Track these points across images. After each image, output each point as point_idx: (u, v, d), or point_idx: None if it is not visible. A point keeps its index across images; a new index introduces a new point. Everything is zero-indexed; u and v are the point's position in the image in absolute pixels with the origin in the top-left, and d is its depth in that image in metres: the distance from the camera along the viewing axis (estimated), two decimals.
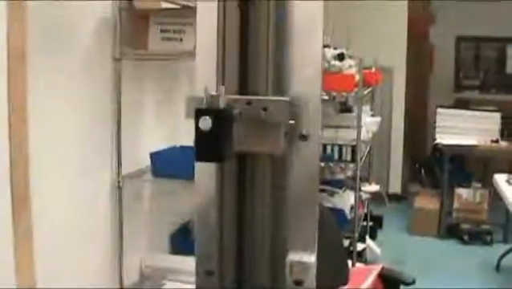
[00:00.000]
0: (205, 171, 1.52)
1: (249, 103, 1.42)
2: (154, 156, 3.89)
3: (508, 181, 5.83)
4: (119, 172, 3.75)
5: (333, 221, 3.17)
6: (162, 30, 3.70)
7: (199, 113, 1.33)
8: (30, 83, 2.89)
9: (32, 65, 2.89)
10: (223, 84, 1.41)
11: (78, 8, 3.33)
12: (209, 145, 1.34)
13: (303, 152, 1.44)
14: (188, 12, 3.42)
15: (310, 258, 1.44)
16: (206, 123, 1.32)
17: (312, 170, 1.45)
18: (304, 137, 1.44)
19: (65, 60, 3.28)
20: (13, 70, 2.81)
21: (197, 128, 1.32)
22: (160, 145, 4.13)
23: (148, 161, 3.92)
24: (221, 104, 1.35)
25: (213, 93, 1.35)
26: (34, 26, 2.88)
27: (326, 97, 5.04)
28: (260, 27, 1.45)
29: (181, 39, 3.65)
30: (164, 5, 3.56)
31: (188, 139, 3.79)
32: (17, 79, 2.83)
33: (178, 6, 3.52)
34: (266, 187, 1.47)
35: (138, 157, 3.94)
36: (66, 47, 3.29)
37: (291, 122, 1.43)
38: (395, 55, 8.74)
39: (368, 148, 6.05)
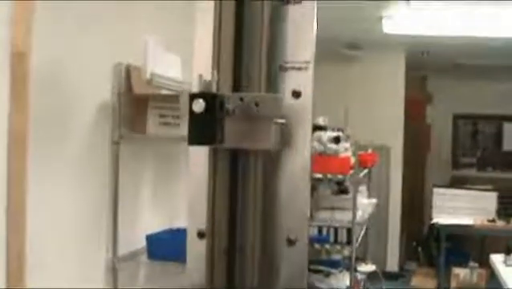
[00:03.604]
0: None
1: (241, 99, 1.46)
2: (150, 239, 3.91)
3: (505, 262, 5.81)
4: (114, 254, 3.77)
5: None
6: (161, 115, 3.77)
7: (192, 97, 1.38)
8: (29, 166, 2.93)
9: (32, 149, 2.94)
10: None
11: (78, 92, 3.41)
12: (201, 127, 1.38)
13: (290, 257, 1.47)
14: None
15: None
16: (199, 105, 1.37)
17: (299, 276, 1.48)
18: (291, 242, 1.47)
19: (64, 143, 3.34)
20: (13, 154, 2.86)
21: (190, 111, 1.37)
22: (157, 226, 4.15)
23: (144, 242, 3.94)
24: (214, 89, 1.40)
25: (207, 79, 1.41)
26: (35, 112, 2.95)
27: (320, 176, 5.09)
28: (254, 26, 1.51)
29: (179, 124, 3.72)
30: (163, 91, 3.64)
31: (184, 220, 3.83)
32: (17, 164, 2.87)
33: (177, 93, 3.60)
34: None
35: (134, 239, 3.95)
36: (65, 131, 3.35)
37: (282, 121, 1.47)
38: (392, 135, 8.83)
39: (364, 228, 6.07)
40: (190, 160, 1.66)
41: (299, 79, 1.52)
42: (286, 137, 1.50)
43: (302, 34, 1.53)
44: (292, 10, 1.54)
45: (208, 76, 1.46)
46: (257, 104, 1.45)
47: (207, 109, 1.37)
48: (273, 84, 1.51)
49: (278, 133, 1.48)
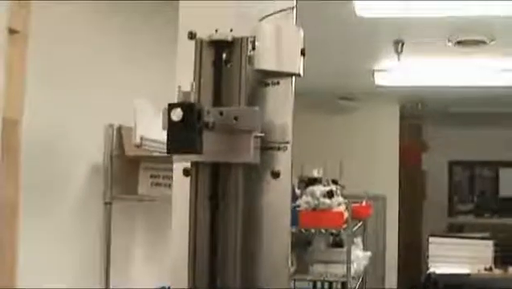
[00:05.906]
0: None
1: (221, 113, 1.48)
2: None
3: None
4: None
5: None
6: (152, 176, 3.80)
7: (171, 107, 1.41)
8: (21, 229, 2.94)
9: (24, 213, 2.95)
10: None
11: (70, 155, 3.44)
12: (179, 136, 1.40)
13: None
14: None
15: None
16: (177, 114, 1.39)
17: None
18: None
19: (58, 204, 3.37)
20: (4, 222, 2.88)
21: (169, 121, 1.39)
22: (149, 285, 4.14)
23: None
24: (192, 99, 1.42)
25: (186, 90, 1.43)
26: (28, 174, 2.97)
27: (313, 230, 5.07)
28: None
29: (170, 185, 3.75)
30: (155, 152, 3.67)
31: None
32: (8, 231, 2.89)
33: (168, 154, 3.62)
34: None
35: None
36: (58, 192, 3.38)
37: (261, 134, 1.49)
38: (388, 184, 8.83)
39: (360, 281, 6.03)
40: (173, 231, 1.68)
41: (278, 160, 1.54)
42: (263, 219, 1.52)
43: (280, 114, 1.56)
44: (270, 92, 1.57)
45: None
46: (236, 118, 1.48)
47: (185, 118, 1.40)
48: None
49: (258, 146, 1.51)
